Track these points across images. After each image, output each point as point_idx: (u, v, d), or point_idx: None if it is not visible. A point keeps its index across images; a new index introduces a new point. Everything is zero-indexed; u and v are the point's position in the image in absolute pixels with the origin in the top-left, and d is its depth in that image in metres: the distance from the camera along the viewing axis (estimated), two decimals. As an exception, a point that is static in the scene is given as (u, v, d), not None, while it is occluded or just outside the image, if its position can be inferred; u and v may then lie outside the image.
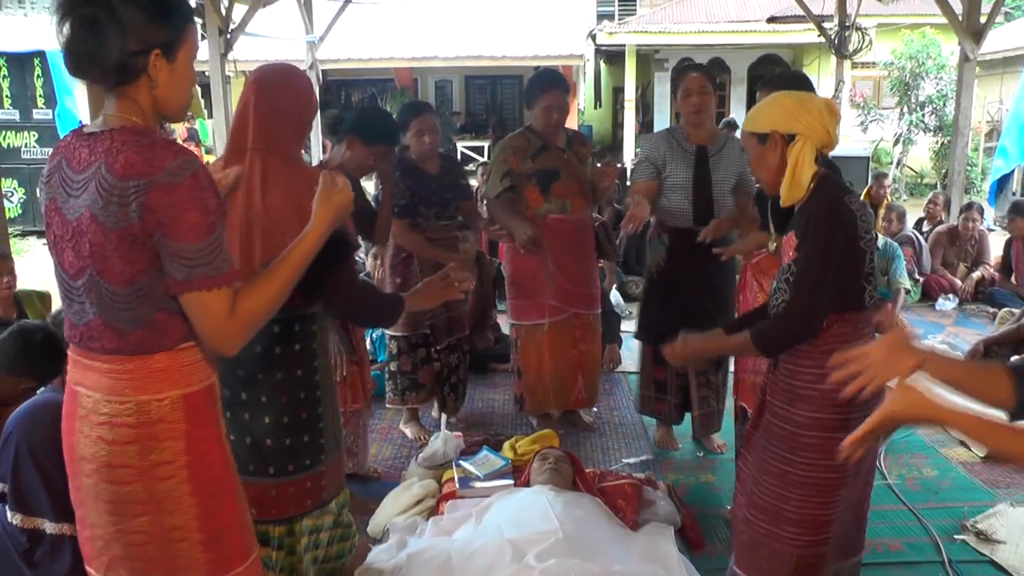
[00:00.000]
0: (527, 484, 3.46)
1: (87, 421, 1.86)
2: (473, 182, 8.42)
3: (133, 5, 1.74)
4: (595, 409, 5.02)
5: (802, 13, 11.33)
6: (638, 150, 4.43)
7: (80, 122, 11.02)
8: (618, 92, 22.98)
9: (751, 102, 22.71)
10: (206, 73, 9.46)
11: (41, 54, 12.04)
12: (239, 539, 2.01)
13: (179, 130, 15.38)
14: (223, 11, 9.10)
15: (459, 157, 19.31)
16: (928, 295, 7.89)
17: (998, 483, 4.17)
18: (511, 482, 3.53)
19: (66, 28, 1.73)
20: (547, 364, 4.57)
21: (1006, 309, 6.85)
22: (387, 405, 4.74)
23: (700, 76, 4.14)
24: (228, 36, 9.33)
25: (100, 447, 1.84)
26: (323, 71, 12.93)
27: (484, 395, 5.48)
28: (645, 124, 21.71)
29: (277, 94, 2.45)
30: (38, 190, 1.95)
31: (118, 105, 1.80)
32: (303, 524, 2.60)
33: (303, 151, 2.75)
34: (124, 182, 1.71)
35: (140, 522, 1.88)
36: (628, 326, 6.06)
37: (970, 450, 4.49)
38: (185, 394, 1.87)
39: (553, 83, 4.51)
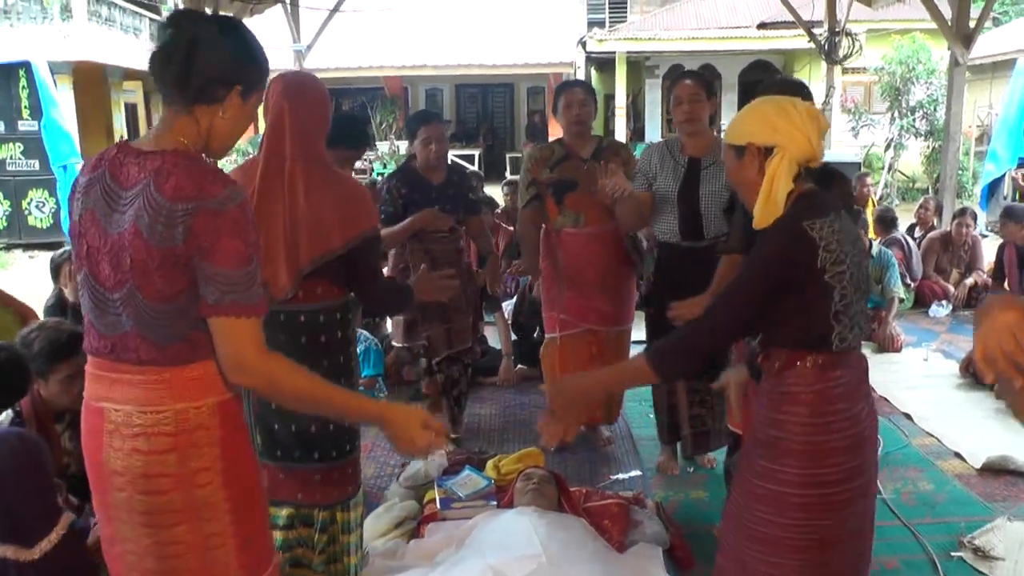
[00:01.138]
0: (510, 505, 3.36)
1: (117, 435, 1.86)
2: (496, 196, 8.37)
3: (237, 42, 1.90)
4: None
5: (792, 19, 11.29)
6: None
7: (67, 134, 10.94)
8: (609, 99, 22.91)
9: (742, 108, 22.58)
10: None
11: (26, 65, 11.97)
12: (266, 542, 2.08)
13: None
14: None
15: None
16: (921, 302, 7.81)
17: (995, 496, 4.09)
18: (494, 503, 3.44)
19: (171, 36, 1.84)
20: (559, 378, 4.47)
21: (1000, 316, 6.75)
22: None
23: (692, 84, 3.97)
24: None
25: (135, 459, 1.86)
26: (311, 80, 12.85)
27: (471, 410, 5.35)
28: (636, 131, 21.65)
29: (309, 102, 2.63)
30: (69, 199, 1.96)
31: (179, 123, 1.87)
32: (349, 516, 2.84)
33: None
34: (173, 204, 1.76)
35: (177, 532, 1.89)
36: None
37: (965, 462, 4.41)
38: (220, 401, 1.91)
39: (574, 83, 4.58)
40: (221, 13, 9.14)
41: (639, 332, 4.50)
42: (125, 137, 19.92)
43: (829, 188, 2.75)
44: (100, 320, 1.89)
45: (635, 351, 4.80)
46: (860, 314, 2.20)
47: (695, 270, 3.65)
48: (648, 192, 4.04)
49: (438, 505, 3.45)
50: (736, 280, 2.23)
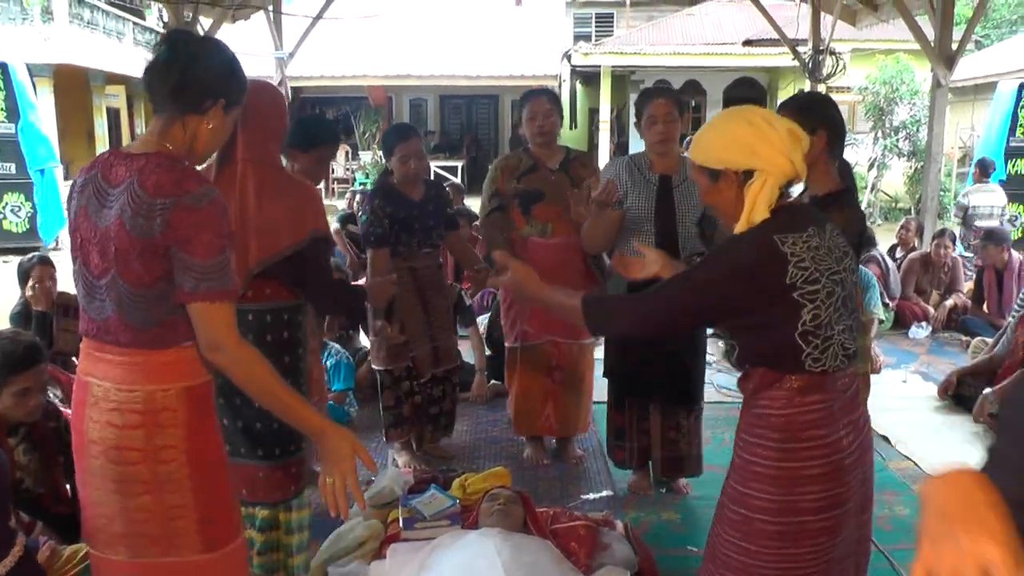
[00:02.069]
0: (475, 525, 3.27)
1: (97, 408, 2.08)
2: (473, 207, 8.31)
3: (225, 61, 2.15)
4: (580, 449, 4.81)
5: (777, 37, 11.30)
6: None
7: (45, 137, 10.82)
8: (593, 113, 22.97)
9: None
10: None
11: (3, 67, 11.80)
12: (229, 521, 2.23)
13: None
14: (187, 24, 8.89)
15: (432, 176, 19.25)
16: (901, 322, 7.79)
17: (970, 522, 4.02)
18: (458, 524, 3.34)
19: (170, 51, 2.08)
20: (518, 388, 4.52)
21: (979, 338, 6.76)
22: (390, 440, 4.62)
23: (667, 102, 3.87)
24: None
25: (109, 431, 2.06)
26: (295, 88, 12.78)
27: (441, 424, 5.28)
28: (620, 145, 21.68)
29: (261, 108, 2.70)
30: (68, 199, 2.18)
31: (168, 129, 2.09)
32: (292, 517, 2.93)
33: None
34: (153, 198, 1.96)
35: (143, 500, 2.08)
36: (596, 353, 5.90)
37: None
38: (187, 387, 2.10)
39: (539, 92, 4.49)
40: (202, 19, 9.07)
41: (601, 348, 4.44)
42: (107, 142, 19.80)
43: (832, 209, 2.64)
44: (90, 305, 2.10)
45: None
46: (843, 334, 2.06)
47: None
48: (619, 211, 3.93)
49: (401, 525, 3.36)
50: (695, 270, 2.17)
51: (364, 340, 6.13)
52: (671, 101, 3.90)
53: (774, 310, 2.02)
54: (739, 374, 2.24)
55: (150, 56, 2.12)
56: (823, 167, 2.86)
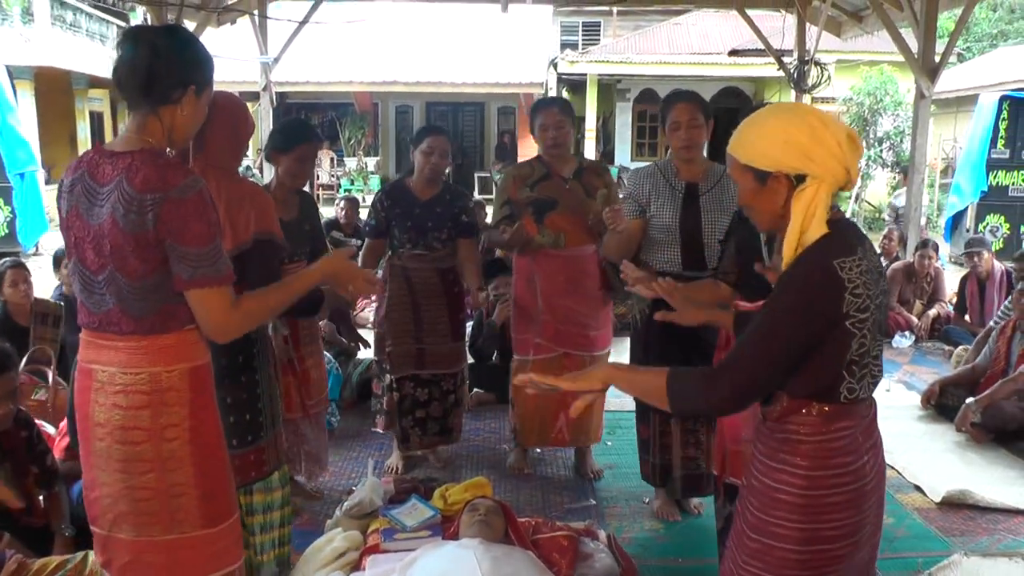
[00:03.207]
0: (456, 536, 3.23)
1: (102, 392, 2.17)
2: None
3: (189, 49, 2.20)
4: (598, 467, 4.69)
5: (763, 47, 11.33)
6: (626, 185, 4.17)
7: (25, 141, 10.69)
8: (579, 121, 22.92)
9: (712, 133, 22.81)
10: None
11: (-20, 69, 11.69)
12: (227, 498, 2.35)
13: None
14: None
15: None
16: (884, 332, 7.78)
17: (953, 531, 4.04)
18: (439, 534, 3.31)
19: (132, 50, 2.13)
20: (530, 401, 4.38)
21: (961, 347, 6.78)
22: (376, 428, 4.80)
23: (690, 106, 3.72)
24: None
25: (115, 413, 2.16)
26: (281, 93, 12.72)
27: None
28: (605, 154, 21.70)
29: (213, 116, 2.65)
30: (58, 199, 2.24)
31: (145, 124, 2.16)
32: (255, 500, 2.98)
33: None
34: (142, 195, 2.05)
35: (147, 479, 2.18)
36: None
37: (925, 496, 4.35)
38: (191, 367, 2.21)
39: (550, 102, 4.42)
40: (186, 22, 9.00)
41: (617, 356, 4.41)
42: (89, 146, 19.66)
43: None
44: (89, 299, 2.18)
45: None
46: (874, 361, 1.96)
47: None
48: (640, 220, 3.84)
49: (381, 536, 3.32)
50: (759, 323, 1.92)
51: (363, 354, 6.11)
52: (695, 105, 3.75)
53: (826, 342, 1.87)
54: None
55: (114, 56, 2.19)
56: None
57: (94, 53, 19.29)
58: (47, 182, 15.27)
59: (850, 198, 15.81)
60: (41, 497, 3.41)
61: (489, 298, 4.66)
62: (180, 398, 2.18)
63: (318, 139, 4.02)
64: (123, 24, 21.95)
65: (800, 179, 1.91)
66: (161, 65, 2.12)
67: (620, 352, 4.43)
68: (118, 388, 2.15)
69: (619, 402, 4.90)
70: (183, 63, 2.17)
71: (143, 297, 2.12)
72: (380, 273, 4.51)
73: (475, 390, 5.76)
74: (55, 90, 18.12)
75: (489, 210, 9.33)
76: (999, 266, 7.66)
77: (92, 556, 2.90)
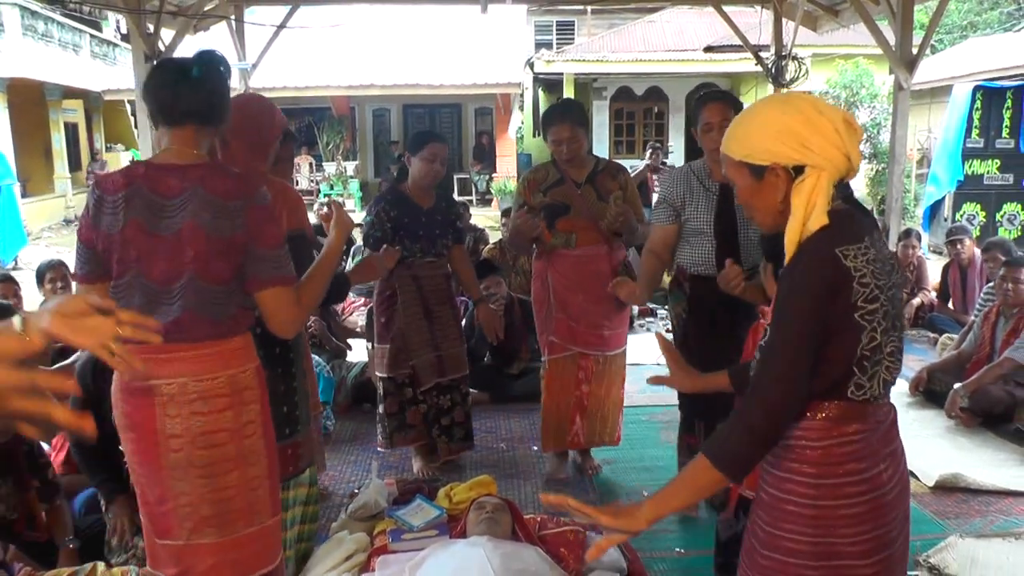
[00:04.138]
0: (463, 535, 3.26)
1: (173, 403, 2.24)
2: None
3: (227, 86, 2.45)
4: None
5: (739, 42, 11.40)
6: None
7: (0, 154, 10.57)
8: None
9: (689, 130, 22.99)
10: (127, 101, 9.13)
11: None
12: (279, 487, 2.54)
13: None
14: (149, 36, 8.78)
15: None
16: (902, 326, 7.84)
17: (948, 514, 4.10)
18: (446, 533, 3.33)
19: (205, 75, 2.33)
20: (547, 401, 4.41)
21: (946, 335, 6.88)
22: (378, 448, 4.65)
23: (722, 106, 3.62)
24: (155, 63, 9.01)
25: (195, 420, 2.25)
26: (257, 99, 12.56)
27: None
28: (584, 152, 21.71)
29: (238, 119, 2.80)
30: (96, 214, 2.27)
31: (197, 140, 2.33)
32: (289, 495, 3.03)
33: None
34: (227, 202, 2.22)
35: (230, 477, 2.31)
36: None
37: (919, 480, 4.41)
38: (257, 366, 2.40)
39: (563, 115, 4.24)
40: (164, 30, 8.96)
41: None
42: (65, 158, 19.50)
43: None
44: (154, 312, 2.20)
45: (633, 373, 4.68)
46: (889, 358, 1.83)
47: (734, 303, 3.30)
48: (674, 224, 3.82)
49: (388, 537, 3.33)
50: (773, 334, 1.81)
51: (353, 357, 6.11)
52: (727, 105, 3.66)
53: (835, 336, 1.78)
54: None
55: (175, 73, 2.33)
56: None
57: (67, 63, 19.14)
58: (23, 195, 15.14)
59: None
60: (43, 512, 3.39)
61: (489, 304, 4.65)
62: (254, 395, 2.37)
63: (293, 138, 4.04)
64: (96, 33, 21.82)
65: (799, 171, 1.82)
66: (225, 88, 2.40)
67: (641, 351, 4.40)
68: (193, 396, 2.25)
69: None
70: (228, 88, 2.45)
71: (223, 300, 2.27)
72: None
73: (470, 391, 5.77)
74: (28, 101, 17.97)
75: (473, 211, 9.33)
76: (979, 253, 7.76)
77: (102, 567, 2.90)
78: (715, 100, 3.68)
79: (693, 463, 1.84)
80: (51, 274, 5.15)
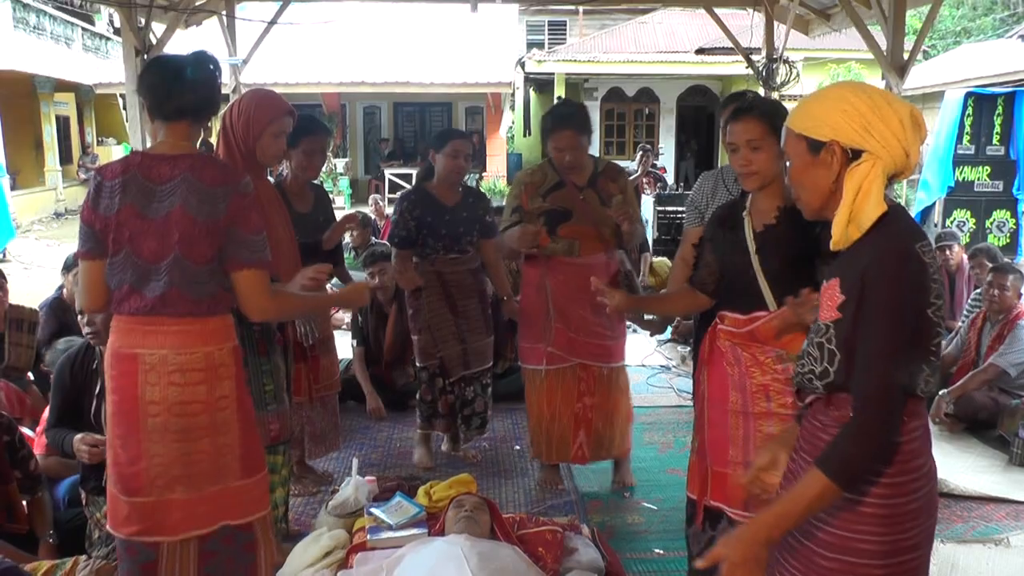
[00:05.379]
0: (442, 533, 3.24)
1: (154, 372, 2.44)
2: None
3: (218, 84, 2.62)
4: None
5: (731, 45, 11.39)
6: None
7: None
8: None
9: (680, 132, 23.04)
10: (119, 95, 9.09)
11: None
12: (259, 453, 2.71)
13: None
14: (140, 30, 8.74)
15: (387, 185, 19.14)
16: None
17: (928, 520, 4.08)
18: (425, 531, 3.31)
19: (202, 72, 2.54)
20: (544, 413, 4.28)
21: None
22: (417, 430, 4.79)
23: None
24: (145, 57, 8.97)
25: (172, 390, 2.44)
26: (248, 95, 12.51)
27: (403, 434, 5.25)
28: (575, 153, 21.72)
29: (225, 116, 3.20)
30: (95, 199, 2.47)
31: (188, 133, 2.54)
32: (276, 459, 3.43)
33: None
34: (213, 188, 2.43)
35: (201, 444, 2.50)
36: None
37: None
38: (233, 346, 2.57)
39: (565, 121, 4.03)
40: (154, 25, 8.92)
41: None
42: (56, 151, 19.43)
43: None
44: (144, 287, 2.43)
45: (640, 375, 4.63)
46: (937, 351, 1.83)
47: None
48: (701, 227, 3.49)
49: (367, 534, 3.32)
50: (874, 333, 1.75)
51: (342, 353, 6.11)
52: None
53: (915, 333, 1.75)
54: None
55: (171, 69, 2.52)
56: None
57: (59, 56, 19.05)
58: (12, 188, 15.07)
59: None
60: (24, 503, 3.38)
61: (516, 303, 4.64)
62: (228, 372, 2.53)
63: (323, 131, 4.12)
64: (88, 26, 21.73)
65: (856, 156, 1.80)
66: (218, 90, 2.60)
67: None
68: (172, 368, 2.44)
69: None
70: (218, 94, 2.63)
71: (206, 279, 2.45)
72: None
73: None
74: (19, 94, 17.89)
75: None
76: (967, 259, 7.77)
77: (83, 560, 2.91)
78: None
79: (807, 481, 1.80)
80: (115, 253, 5.18)
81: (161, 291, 2.42)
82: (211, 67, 2.59)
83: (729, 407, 2.84)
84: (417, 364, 4.66)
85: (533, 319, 4.28)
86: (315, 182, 4.26)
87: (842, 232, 1.80)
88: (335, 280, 4.33)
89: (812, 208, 1.93)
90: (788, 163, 1.96)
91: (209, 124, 3.63)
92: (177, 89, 2.50)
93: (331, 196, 16.37)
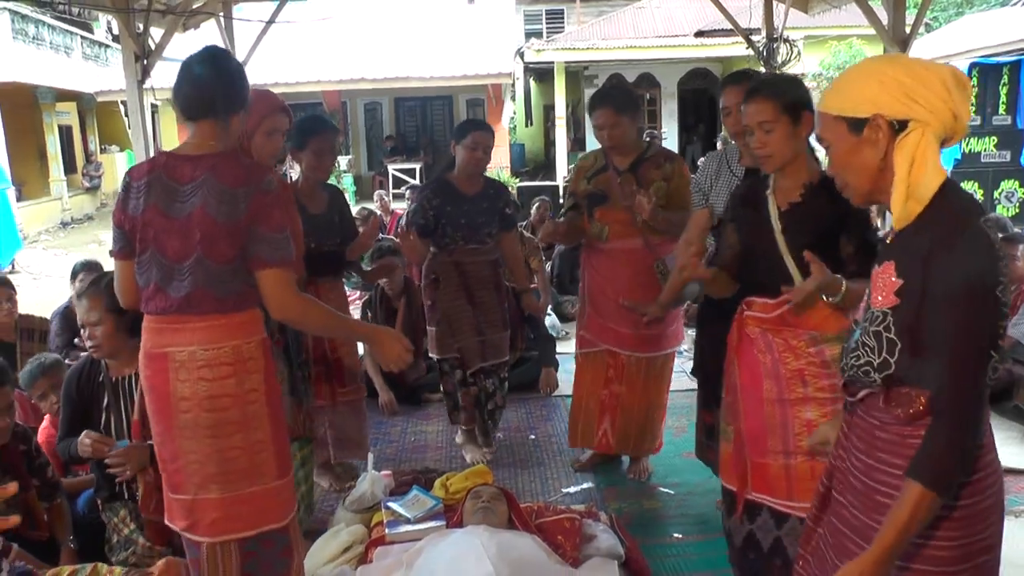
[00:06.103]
0: (460, 524, 3.25)
1: (184, 369, 2.44)
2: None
3: (246, 83, 2.61)
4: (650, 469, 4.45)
5: (729, 27, 11.35)
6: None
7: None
8: (548, 110, 22.98)
9: (682, 116, 22.98)
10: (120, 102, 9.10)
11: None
12: (288, 453, 2.69)
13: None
14: (138, 35, 8.74)
15: (391, 180, 19.14)
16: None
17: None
18: (443, 523, 3.32)
19: (211, 69, 2.50)
20: (575, 397, 4.38)
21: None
22: (460, 430, 4.82)
23: (738, 89, 3.22)
24: (145, 62, 8.98)
25: (201, 385, 2.44)
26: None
27: (416, 427, 5.27)
28: (576, 141, 21.73)
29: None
30: (124, 198, 2.51)
31: (214, 132, 2.50)
32: (298, 454, 3.42)
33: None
34: (234, 188, 2.40)
35: (234, 440, 2.48)
36: (567, 347, 5.91)
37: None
38: (262, 339, 2.55)
39: (603, 99, 4.03)
40: (153, 29, 8.92)
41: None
42: (60, 160, 19.47)
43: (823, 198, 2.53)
44: (168, 286, 2.44)
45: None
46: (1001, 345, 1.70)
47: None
48: (705, 209, 3.41)
49: (386, 528, 3.33)
50: (953, 323, 1.62)
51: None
52: (745, 87, 3.06)
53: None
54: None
55: (190, 69, 2.51)
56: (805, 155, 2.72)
57: (59, 66, 19.09)
58: (18, 199, 15.11)
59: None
60: (44, 511, 3.39)
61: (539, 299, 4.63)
62: (257, 365, 2.51)
63: (330, 130, 4.12)
64: (87, 35, 21.75)
65: (903, 126, 1.68)
66: (236, 83, 2.55)
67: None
68: (201, 363, 2.44)
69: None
70: (244, 83, 2.59)
71: (228, 278, 2.43)
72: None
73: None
74: (21, 105, 17.93)
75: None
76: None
77: (104, 568, 2.92)
78: (731, 83, 3.49)
79: (902, 495, 1.68)
80: (84, 274, 5.20)
81: (186, 291, 2.43)
82: (220, 61, 2.56)
83: (764, 395, 2.71)
84: (435, 357, 4.61)
85: (582, 304, 4.38)
86: (330, 182, 4.29)
87: (901, 208, 1.68)
88: (355, 278, 4.37)
89: (862, 192, 1.80)
90: (828, 149, 1.83)
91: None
92: (188, 90, 2.51)
93: (336, 194, 16.29)
